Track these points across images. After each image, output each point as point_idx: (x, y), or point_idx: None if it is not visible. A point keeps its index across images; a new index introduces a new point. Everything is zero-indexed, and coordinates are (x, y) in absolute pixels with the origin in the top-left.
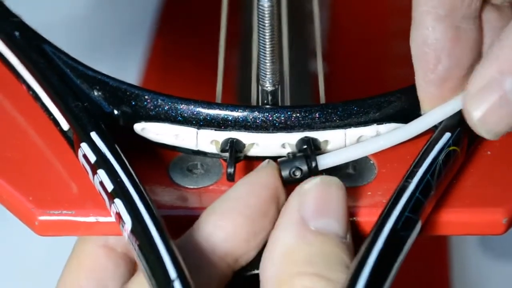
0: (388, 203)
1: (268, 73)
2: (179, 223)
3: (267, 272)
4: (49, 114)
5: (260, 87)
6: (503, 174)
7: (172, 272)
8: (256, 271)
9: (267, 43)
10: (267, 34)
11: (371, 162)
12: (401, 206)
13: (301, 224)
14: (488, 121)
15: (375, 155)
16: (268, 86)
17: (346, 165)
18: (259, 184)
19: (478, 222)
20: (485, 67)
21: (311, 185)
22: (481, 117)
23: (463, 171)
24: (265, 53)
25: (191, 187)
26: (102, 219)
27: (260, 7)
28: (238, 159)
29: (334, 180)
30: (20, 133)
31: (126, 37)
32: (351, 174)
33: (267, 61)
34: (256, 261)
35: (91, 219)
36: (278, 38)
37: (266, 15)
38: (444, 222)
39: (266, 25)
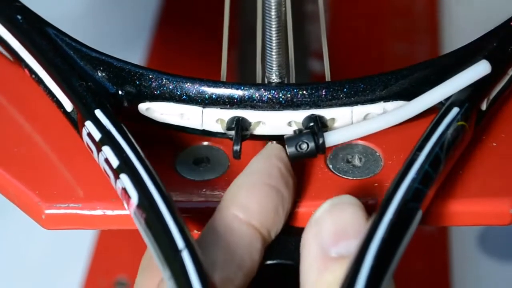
0: (398, 175)
1: (274, 65)
2: (186, 216)
3: None
4: (52, 96)
5: (266, 80)
6: (509, 165)
7: (180, 242)
8: (271, 261)
9: (274, 36)
10: (273, 26)
11: (377, 154)
12: (411, 178)
13: (322, 256)
14: None
15: (381, 146)
16: (275, 79)
17: (352, 157)
18: (273, 157)
19: (484, 212)
20: None
21: (322, 212)
22: None
23: (469, 162)
24: (271, 46)
25: (198, 179)
26: (109, 212)
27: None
28: (244, 137)
29: (344, 199)
30: (26, 127)
31: (126, 35)
32: (357, 166)
33: (273, 53)
34: (273, 251)
35: (98, 212)
36: (284, 30)
37: (273, 7)
38: (451, 213)
39: (273, 17)
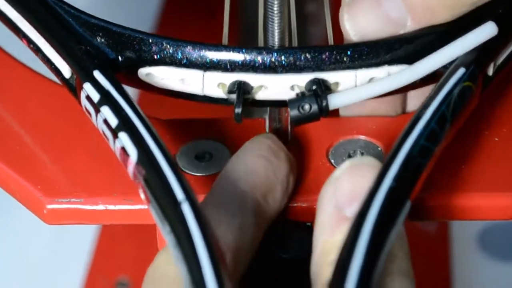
0: (403, 132)
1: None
2: None
3: (311, 267)
4: (51, 64)
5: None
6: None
7: (180, 195)
8: (277, 255)
9: (275, 2)
10: (275, 19)
11: (379, 148)
12: (417, 134)
13: (336, 215)
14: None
15: (383, 141)
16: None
17: (353, 152)
18: (262, 136)
19: (489, 206)
20: None
21: (341, 171)
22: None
23: (472, 157)
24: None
25: (199, 174)
26: (111, 207)
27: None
28: (246, 101)
29: (364, 160)
30: (28, 123)
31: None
32: None
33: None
34: (288, 245)
35: (100, 207)
36: (288, 24)
37: (275, 0)
38: (454, 207)
39: (275, 11)
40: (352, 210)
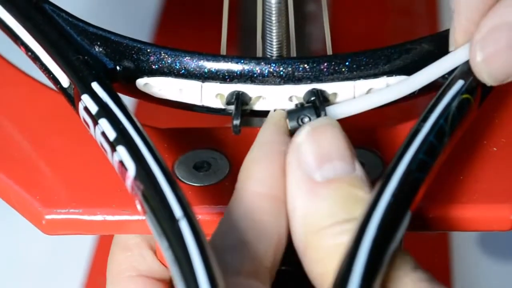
0: (401, 146)
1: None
2: None
3: (296, 241)
4: (49, 73)
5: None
6: (510, 170)
7: (178, 212)
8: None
9: (274, 11)
10: (274, 29)
11: (378, 158)
12: (415, 148)
13: (307, 181)
14: (492, 64)
15: (382, 150)
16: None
17: None
18: (281, 123)
19: (485, 218)
20: (501, 8)
21: (302, 136)
22: (486, 58)
23: (469, 167)
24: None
25: (197, 185)
26: (109, 217)
27: (268, 3)
28: (244, 112)
29: (323, 121)
30: (27, 134)
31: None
32: None
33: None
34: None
35: (99, 217)
36: (285, 5)
37: (274, 11)
38: (450, 218)
39: (274, 21)
40: (322, 173)
